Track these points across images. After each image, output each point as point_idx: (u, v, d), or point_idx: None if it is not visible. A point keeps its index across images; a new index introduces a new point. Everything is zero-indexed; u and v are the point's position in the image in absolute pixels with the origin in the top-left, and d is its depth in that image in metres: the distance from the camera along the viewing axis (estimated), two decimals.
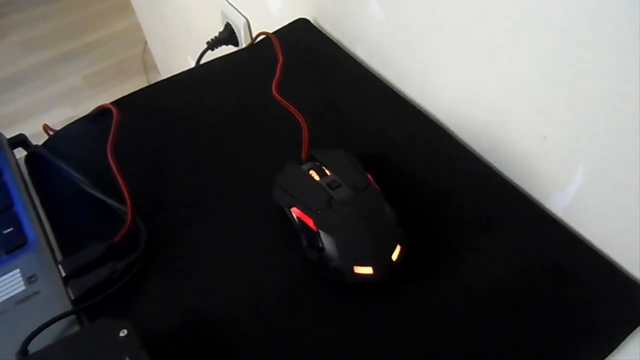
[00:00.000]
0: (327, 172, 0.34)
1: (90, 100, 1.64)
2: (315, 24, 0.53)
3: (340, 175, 0.34)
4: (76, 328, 0.30)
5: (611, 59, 0.28)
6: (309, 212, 0.32)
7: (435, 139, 0.42)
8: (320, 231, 0.31)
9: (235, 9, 0.68)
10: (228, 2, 0.69)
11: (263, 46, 0.50)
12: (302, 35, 0.51)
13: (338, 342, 0.31)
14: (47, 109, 1.64)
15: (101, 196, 0.37)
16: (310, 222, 0.32)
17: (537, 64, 0.33)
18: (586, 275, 0.33)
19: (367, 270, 0.31)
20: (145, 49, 1.64)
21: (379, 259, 0.31)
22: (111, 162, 0.37)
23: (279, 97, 0.42)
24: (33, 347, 0.28)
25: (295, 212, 0.34)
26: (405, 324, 0.31)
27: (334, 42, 0.50)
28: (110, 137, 0.39)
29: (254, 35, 0.55)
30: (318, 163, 0.35)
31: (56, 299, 0.31)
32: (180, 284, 0.33)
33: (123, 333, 0.27)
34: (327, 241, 0.31)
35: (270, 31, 0.51)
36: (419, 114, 0.44)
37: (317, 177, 0.34)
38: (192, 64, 0.53)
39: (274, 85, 0.43)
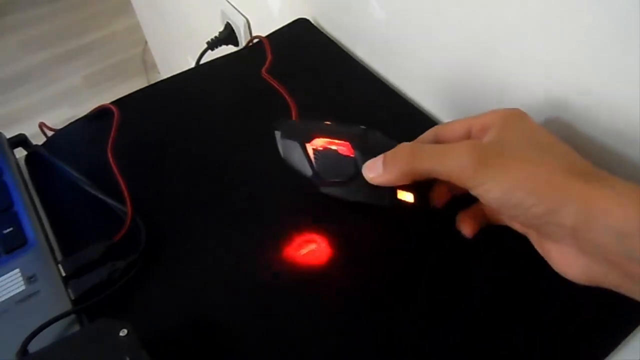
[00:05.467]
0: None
1: (90, 100, 1.64)
2: (315, 24, 0.53)
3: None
4: (76, 328, 0.30)
5: (606, 62, 0.28)
6: (345, 136, 0.31)
7: None
8: (358, 153, 0.31)
9: (235, 9, 0.68)
10: (228, 2, 0.69)
11: (263, 46, 0.50)
12: (302, 35, 0.51)
13: (338, 342, 0.31)
14: (46, 109, 1.65)
15: (101, 196, 0.37)
16: (343, 147, 0.31)
17: (537, 64, 0.33)
18: None
19: (409, 197, 0.31)
20: (145, 49, 1.64)
21: (420, 188, 0.31)
22: (111, 162, 0.37)
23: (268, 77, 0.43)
24: (33, 347, 0.28)
25: (316, 143, 0.32)
26: (405, 325, 0.31)
27: (334, 42, 0.50)
28: (111, 137, 0.39)
29: (254, 35, 0.55)
30: None
31: (56, 299, 0.31)
32: (180, 283, 0.33)
33: (123, 333, 0.27)
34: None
35: (270, 31, 0.51)
36: (419, 114, 0.44)
37: None
38: (192, 64, 0.53)
39: (263, 70, 0.44)
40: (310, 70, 0.47)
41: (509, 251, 0.35)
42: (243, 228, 0.36)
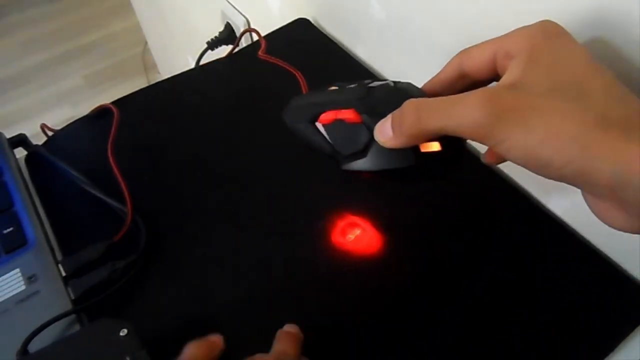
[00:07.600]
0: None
1: (90, 100, 1.64)
2: (315, 24, 0.53)
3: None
4: (76, 328, 0.30)
5: None
6: (348, 105, 0.28)
7: None
8: (366, 117, 0.28)
9: (235, 9, 0.68)
10: (228, 2, 0.69)
11: (262, 45, 0.50)
12: (302, 35, 0.51)
13: (339, 343, 0.31)
14: (47, 109, 1.64)
15: (101, 196, 0.37)
16: (349, 115, 0.28)
17: None
18: (586, 275, 0.33)
19: (434, 146, 0.27)
20: (145, 49, 1.64)
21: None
22: (111, 162, 0.37)
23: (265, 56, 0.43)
24: (33, 347, 0.28)
25: (324, 119, 0.30)
26: (407, 327, 0.31)
27: (334, 42, 0.50)
28: (111, 137, 0.39)
29: (253, 36, 0.55)
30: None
31: (56, 298, 0.31)
32: (180, 283, 0.33)
33: (123, 333, 0.27)
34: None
35: (270, 31, 0.50)
36: None
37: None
38: (192, 64, 0.53)
39: (260, 52, 0.44)
40: (310, 70, 0.47)
41: (508, 251, 0.35)
42: (243, 228, 0.36)
